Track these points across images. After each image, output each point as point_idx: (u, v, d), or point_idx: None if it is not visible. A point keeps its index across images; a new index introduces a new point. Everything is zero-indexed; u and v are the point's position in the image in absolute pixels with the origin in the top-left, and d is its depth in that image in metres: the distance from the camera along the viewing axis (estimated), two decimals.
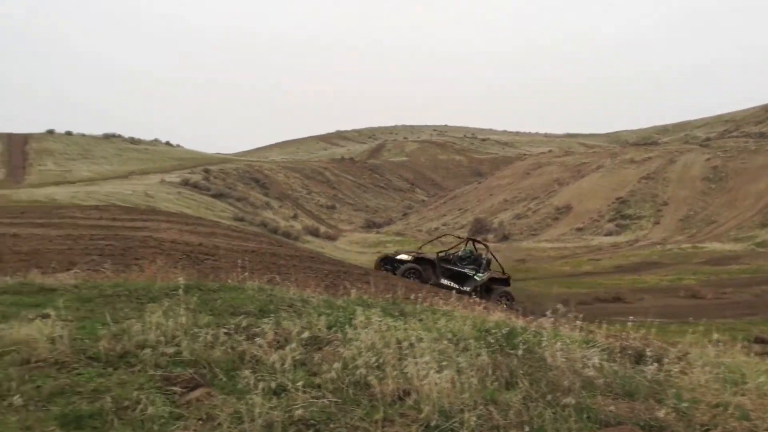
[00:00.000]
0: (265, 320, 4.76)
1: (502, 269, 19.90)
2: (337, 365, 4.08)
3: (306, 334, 4.56)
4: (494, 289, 18.99)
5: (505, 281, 19.69)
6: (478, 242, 20.74)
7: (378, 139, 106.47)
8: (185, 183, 53.40)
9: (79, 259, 10.42)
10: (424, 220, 58.41)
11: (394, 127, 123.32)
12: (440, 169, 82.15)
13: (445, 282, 18.50)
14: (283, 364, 4.07)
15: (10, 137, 67.34)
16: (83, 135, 74.71)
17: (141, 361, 3.97)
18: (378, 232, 52.10)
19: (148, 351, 4.04)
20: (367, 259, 33.04)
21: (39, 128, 74.32)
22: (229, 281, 6.65)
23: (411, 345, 4.53)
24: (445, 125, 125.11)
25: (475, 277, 18.85)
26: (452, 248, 20.23)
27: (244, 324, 4.73)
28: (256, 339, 4.41)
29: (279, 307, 5.48)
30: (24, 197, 34.64)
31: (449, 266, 18.97)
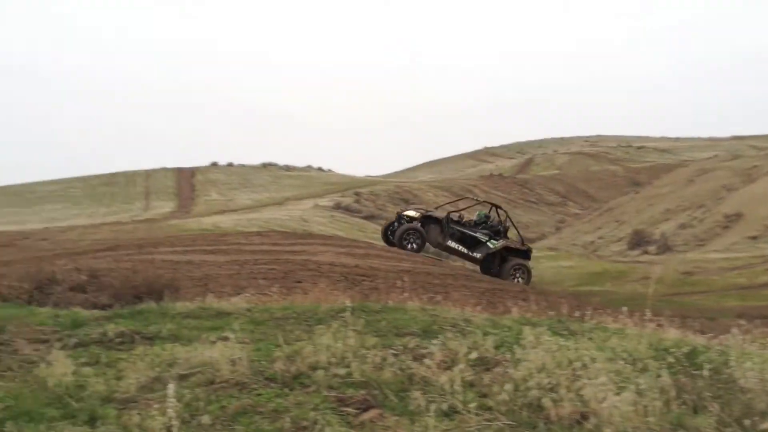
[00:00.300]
0: (433, 341, 4.75)
1: (522, 239, 18.04)
2: (508, 387, 3.97)
3: (473, 355, 4.48)
4: (509, 260, 17.10)
5: (524, 253, 17.64)
6: (497, 207, 18.50)
7: (527, 154, 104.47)
8: (337, 206, 55.15)
9: (246, 283, 10.94)
10: (579, 234, 56.47)
11: (543, 141, 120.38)
12: (594, 180, 79.17)
13: (452, 245, 17.09)
14: (452, 386, 4.01)
15: (180, 171, 72.94)
16: (243, 165, 79.42)
17: (314, 382, 4.07)
18: None
19: (320, 372, 4.14)
20: None
21: (204, 161, 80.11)
22: (390, 302, 6.71)
23: (584, 365, 4.32)
24: (598, 135, 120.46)
25: (488, 243, 17.07)
26: (464, 208, 18.65)
27: (411, 345, 4.75)
28: (424, 360, 4.39)
29: (442, 327, 5.44)
30: (194, 226, 37.20)
31: (460, 228, 17.30)
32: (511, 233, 18.05)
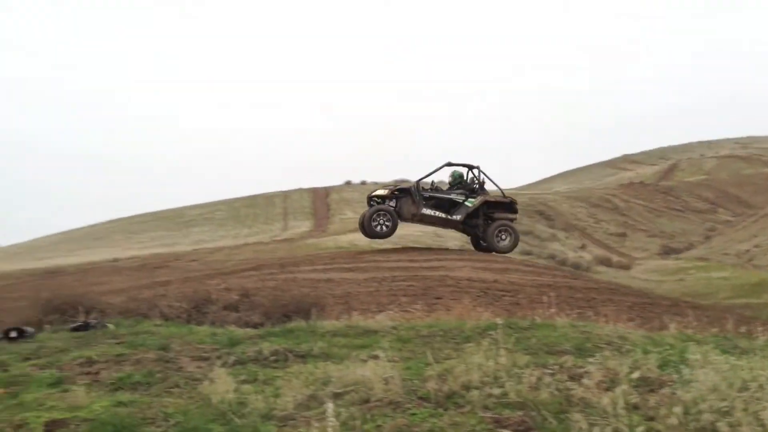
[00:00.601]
0: (589, 360, 4.53)
1: (502, 192, 16.87)
2: (677, 409, 3.69)
3: (635, 375, 4.22)
4: (497, 218, 16.25)
5: (508, 206, 16.59)
6: (470, 167, 16.94)
7: (670, 159, 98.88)
8: None
9: (387, 300, 11.01)
10: (732, 242, 52.74)
11: (688, 145, 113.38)
12: (746, 185, 73.67)
13: (427, 212, 16.13)
14: (615, 408, 3.78)
15: (315, 191, 75.29)
16: (376, 183, 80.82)
17: (469, 402, 3.98)
18: (677, 259, 48.25)
19: (475, 392, 4.04)
20: (668, 288, 30.63)
21: (338, 181, 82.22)
22: (537, 318, 6.51)
23: (761, 386, 3.96)
24: (749, 136, 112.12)
25: (466, 202, 16.14)
26: (433, 172, 16.80)
27: (567, 364, 4.55)
28: (582, 380, 4.18)
29: (597, 345, 5.19)
30: (331, 244, 38.14)
31: (432, 194, 16.36)
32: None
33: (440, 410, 3.93)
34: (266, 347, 5.40)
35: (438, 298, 11.16)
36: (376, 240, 18.34)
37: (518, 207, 17.42)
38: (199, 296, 8.13)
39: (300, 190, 77.08)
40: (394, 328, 6.13)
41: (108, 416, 4.02)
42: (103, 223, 66.12)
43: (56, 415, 4.15)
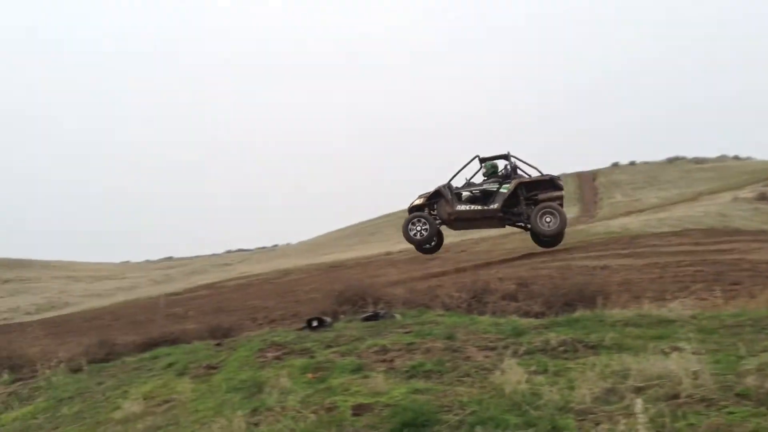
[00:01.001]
0: None
1: (539, 171, 14.84)
2: None
3: None
4: (541, 200, 14.83)
5: (550, 184, 14.99)
6: (506, 157, 15.35)
7: None
8: (762, 197, 48.95)
9: (673, 287, 10.22)
10: None
11: None
12: None
13: (462, 208, 14.96)
14: None
15: (579, 176, 72.87)
16: (646, 162, 76.02)
17: None
18: None
19: None
20: None
21: (605, 163, 78.65)
22: None
23: None
24: None
25: (501, 189, 14.96)
26: (461, 169, 15.55)
27: None
28: None
29: None
30: (600, 230, 36.56)
31: (464, 189, 15.33)
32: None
33: (763, 409, 3.47)
34: (553, 337, 5.25)
35: (736, 284, 10.10)
36: (647, 223, 17.29)
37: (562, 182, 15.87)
38: (478, 286, 8.21)
39: (564, 175, 75.15)
40: (692, 317, 5.60)
41: (407, 402, 4.19)
42: (375, 219, 70.75)
43: (361, 399, 4.43)
